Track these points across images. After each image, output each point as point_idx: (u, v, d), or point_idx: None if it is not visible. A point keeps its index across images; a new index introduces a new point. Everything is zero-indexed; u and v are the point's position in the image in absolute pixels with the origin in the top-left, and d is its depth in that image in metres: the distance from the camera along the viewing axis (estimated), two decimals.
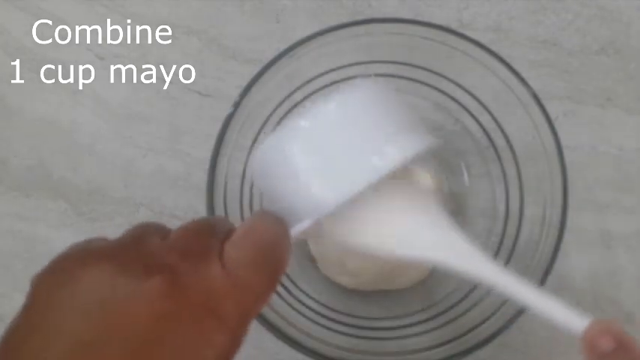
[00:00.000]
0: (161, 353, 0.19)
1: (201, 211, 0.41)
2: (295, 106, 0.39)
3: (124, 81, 0.44)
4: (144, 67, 0.44)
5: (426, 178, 0.38)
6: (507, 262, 0.36)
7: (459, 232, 0.27)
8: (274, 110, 0.38)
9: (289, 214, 0.25)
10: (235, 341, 0.21)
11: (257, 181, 0.29)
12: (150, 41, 0.45)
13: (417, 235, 0.27)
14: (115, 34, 0.45)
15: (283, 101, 0.38)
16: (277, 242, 0.24)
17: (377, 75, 0.39)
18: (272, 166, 0.27)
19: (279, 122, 0.38)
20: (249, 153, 0.36)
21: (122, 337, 0.19)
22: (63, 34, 0.45)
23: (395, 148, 0.26)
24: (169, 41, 0.45)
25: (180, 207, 0.42)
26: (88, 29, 0.45)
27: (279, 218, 0.25)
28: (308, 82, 0.38)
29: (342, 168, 0.26)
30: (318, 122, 0.26)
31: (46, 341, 0.19)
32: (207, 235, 0.23)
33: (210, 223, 0.24)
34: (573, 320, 0.24)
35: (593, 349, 0.23)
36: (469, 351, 0.32)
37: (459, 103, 0.38)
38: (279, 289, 0.36)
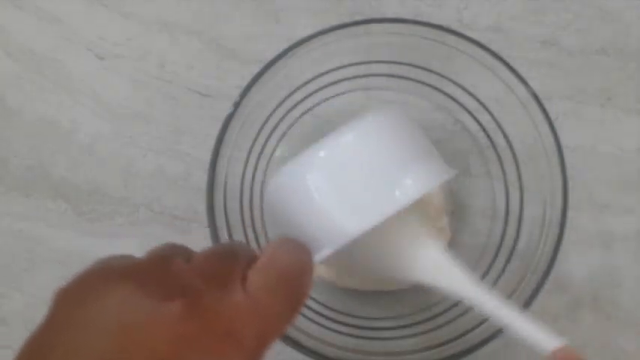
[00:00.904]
0: None
1: (201, 211, 0.41)
2: (295, 106, 0.39)
3: (124, 81, 0.44)
4: (144, 67, 0.44)
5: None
6: (507, 262, 0.36)
7: (448, 256, 0.29)
8: (274, 110, 0.38)
9: (309, 242, 0.26)
10: None
11: (273, 208, 0.30)
12: (150, 41, 0.45)
13: (413, 261, 0.29)
14: (114, 34, 0.45)
15: (283, 101, 0.38)
16: (300, 269, 0.24)
17: (374, 75, 0.39)
18: (291, 194, 0.28)
19: (274, 126, 0.38)
20: (246, 160, 0.37)
21: (141, 357, 0.19)
22: (63, 34, 0.45)
23: (414, 181, 0.27)
24: (169, 41, 0.45)
25: (180, 207, 0.42)
26: (88, 29, 0.45)
27: (302, 245, 0.25)
28: (308, 82, 0.38)
29: (365, 199, 0.27)
30: (337, 153, 0.28)
31: (66, 359, 0.19)
32: (230, 261, 0.23)
33: (234, 248, 0.24)
34: (544, 343, 0.25)
35: None
36: (469, 351, 0.32)
37: (459, 103, 0.38)
38: None
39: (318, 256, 0.27)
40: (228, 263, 0.23)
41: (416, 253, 0.29)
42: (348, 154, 0.28)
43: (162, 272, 0.21)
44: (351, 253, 0.29)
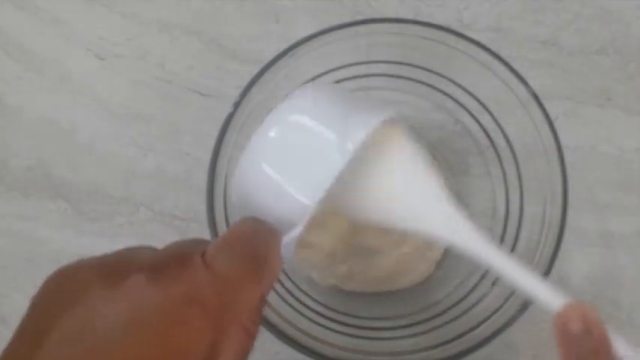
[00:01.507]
0: (146, 341, 0.20)
1: (201, 210, 0.41)
2: None
3: (124, 81, 0.44)
4: (144, 67, 0.44)
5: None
6: None
7: (459, 209, 0.28)
8: None
9: (281, 227, 0.26)
10: (218, 330, 0.21)
11: (242, 203, 0.30)
12: (150, 41, 0.45)
13: (418, 208, 0.28)
14: (114, 34, 0.45)
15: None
16: (257, 236, 0.24)
17: (374, 75, 0.39)
18: (252, 184, 0.28)
19: None
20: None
21: (102, 331, 0.19)
22: (63, 34, 0.45)
23: (355, 129, 0.27)
24: (169, 41, 0.45)
25: (180, 207, 0.42)
26: (88, 29, 0.45)
27: (259, 219, 0.25)
28: (308, 82, 0.38)
29: (313, 166, 0.27)
30: (283, 130, 0.28)
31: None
32: (191, 243, 0.24)
33: (198, 239, 0.25)
34: (553, 300, 0.25)
35: (562, 329, 0.23)
36: (469, 351, 0.32)
37: (459, 103, 0.38)
38: (280, 289, 0.36)
39: (290, 237, 0.27)
40: (188, 245, 0.24)
41: (428, 202, 0.28)
42: (292, 130, 0.28)
43: (118, 260, 0.23)
44: (358, 206, 0.29)
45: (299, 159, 0.27)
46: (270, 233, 0.25)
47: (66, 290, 0.21)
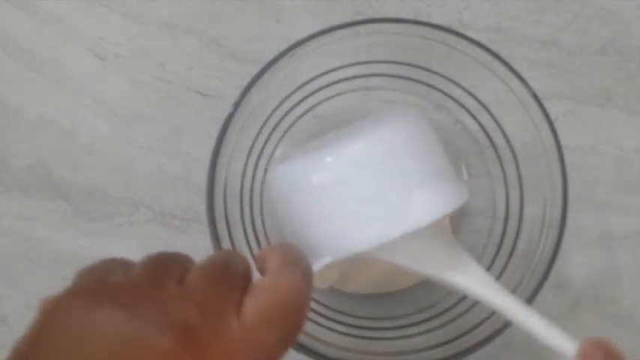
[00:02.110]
0: None
1: (201, 210, 0.41)
2: (295, 106, 0.39)
3: (124, 81, 0.44)
4: (144, 67, 0.44)
5: None
6: (507, 262, 0.36)
7: (470, 257, 0.28)
8: (274, 110, 0.38)
9: (309, 245, 0.25)
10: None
11: (276, 197, 0.28)
12: (150, 41, 0.45)
13: (433, 255, 0.28)
14: (114, 34, 0.45)
15: (283, 101, 0.38)
16: (299, 300, 0.22)
17: (374, 75, 0.39)
18: (297, 190, 0.27)
19: (274, 126, 0.38)
20: (246, 160, 0.36)
21: None
22: (63, 34, 0.45)
23: (429, 204, 0.26)
24: (169, 41, 0.45)
25: (180, 207, 0.42)
26: (88, 29, 0.45)
27: (305, 272, 0.23)
28: (308, 82, 0.38)
29: (378, 213, 0.25)
30: (344, 161, 0.26)
31: None
32: (226, 283, 0.22)
33: (230, 266, 0.23)
34: (569, 345, 0.25)
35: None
36: (469, 351, 0.32)
37: (459, 103, 0.38)
38: None
39: (318, 264, 0.26)
40: (223, 286, 0.22)
41: (446, 254, 0.28)
42: (358, 164, 0.26)
43: (153, 300, 0.20)
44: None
45: (362, 196, 0.26)
46: (309, 291, 0.23)
47: (53, 323, 0.19)
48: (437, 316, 0.36)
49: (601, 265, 0.41)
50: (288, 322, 0.22)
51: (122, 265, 0.22)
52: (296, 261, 0.24)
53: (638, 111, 0.43)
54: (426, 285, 0.39)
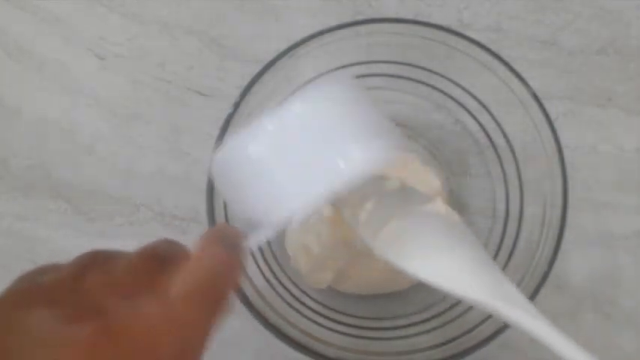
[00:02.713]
0: None
1: (201, 210, 0.41)
2: None
3: (124, 81, 0.44)
4: (144, 67, 0.44)
5: (435, 181, 0.38)
6: (507, 262, 0.36)
7: (501, 273, 0.27)
8: None
9: (252, 220, 0.25)
10: None
11: (219, 183, 0.28)
12: (150, 41, 0.45)
13: (464, 273, 0.28)
14: (114, 34, 0.45)
15: (283, 101, 0.38)
16: (222, 273, 0.23)
17: (374, 75, 0.39)
18: (235, 169, 0.26)
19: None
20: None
21: None
22: (63, 34, 0.45)
23: (361, 154, 0.25)
24: (169, 41, 0.45)
25: (180, 207, 0.42)
26: (88, 29, 0.45)
27: (232, 246, 0.24)
28: (308, 82, 0.38)
29: (308, 172, 0.25)
30: (283, 124, 0.26)
31: None
32: (150, 267, 0.22)
33: (157, 250, 0.23)
34: None
35: None
36: (469, 351, 0.32)
37: (459, 103, 0.38)
38: (280, 289, 0.36)
39: (257, 237, 0.25)
40: (147, 269, 0.22)
41: (476, 270, 0.28)
42: (295, 126, 0.26)
43: (73, 291, 0.20)
44: (402, 255, 0.28)
45: (296, 159, 0.25)
46: (236, 267, 0.23)
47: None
48: (436, 316, 0.36)
49: (601, 265, 0.41)
50: (212, 295, 0.22)
51: (54, 267, 0.22)
52: (221, 237, 0.24)
53: (638, 111, 0.43)
54: (426, 285, 0.39)
